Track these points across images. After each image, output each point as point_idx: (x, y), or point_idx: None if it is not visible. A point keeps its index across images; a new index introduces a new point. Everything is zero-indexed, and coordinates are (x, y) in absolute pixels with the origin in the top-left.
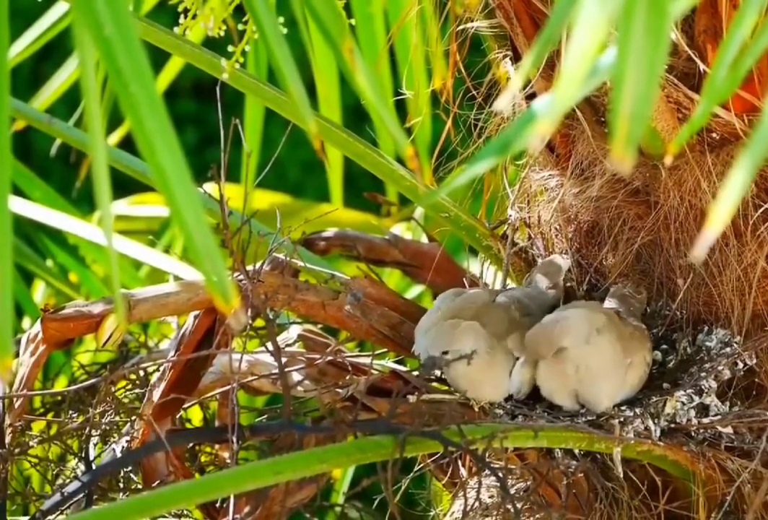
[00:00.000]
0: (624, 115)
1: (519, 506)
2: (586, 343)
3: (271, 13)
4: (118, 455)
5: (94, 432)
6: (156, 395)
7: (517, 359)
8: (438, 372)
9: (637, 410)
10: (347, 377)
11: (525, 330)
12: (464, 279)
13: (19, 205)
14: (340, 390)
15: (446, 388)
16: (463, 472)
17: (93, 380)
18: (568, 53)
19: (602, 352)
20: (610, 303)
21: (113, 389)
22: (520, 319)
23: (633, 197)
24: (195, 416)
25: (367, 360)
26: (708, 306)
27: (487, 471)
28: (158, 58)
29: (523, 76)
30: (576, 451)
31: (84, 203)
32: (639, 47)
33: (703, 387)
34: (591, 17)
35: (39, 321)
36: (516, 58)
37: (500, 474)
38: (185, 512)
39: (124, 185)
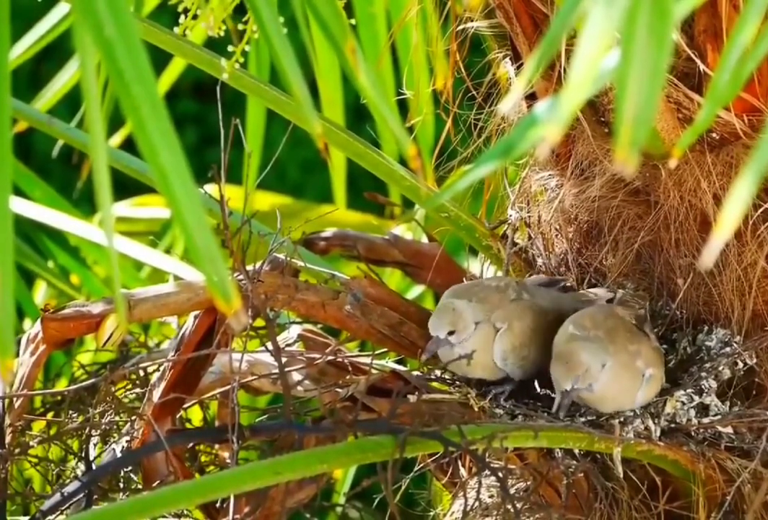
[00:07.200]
0: (628, 119)
1: (519, 506)
2: (599, 380)
3: (273, 12)
4: (118, 455)
5: (94, 432)
6: (156, 395)
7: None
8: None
9: (637, 410)
10: (347, 377)
11: (514, 305)
12: (464, 279)
13: (20, 206)
14: (340, 390)
15: (446, 388)
16: (463, 472)
17: (93, 380)
18: (575, 59)
19: (616, 382)
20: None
21: (113, 389)
22: (516, 297)
23: (633, 197)
24: (195, 416)
25: (367, 360)
26: (708, 306)
27: (487, 471)
28: (159, 58)
29: (527, 80)
30: (576, 451)
31: (85, 204)
32: (642, 51)
33: (703, 387)
34: (597, 22)
35: (39, 321)
36: (516, 58)
37: (500, 474)
38: (185, 512)
39: (125, 186)
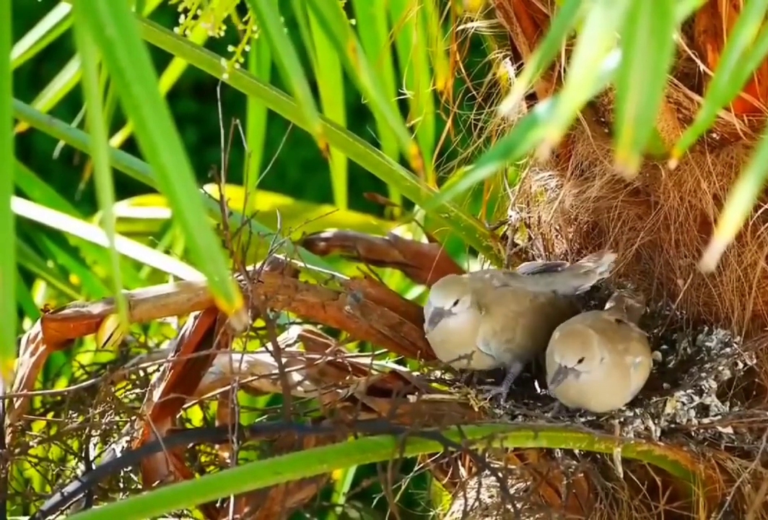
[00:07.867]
0: (629, 119)
1: (519, 506)
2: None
3: (274, 11)
4: (118, 455)
5: (94, 432)
6: (156, 395)
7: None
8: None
9: (637, 410)
10: (347, 378)
11: (496, 292)
12: None
13: (20, 206)
14: (340, 390)
15: (446, 388)
16: (463, 472)
17: (93, 380)
18: (576, 59)
19: (608, 379)
20: (609, 307)
21: (113, 389)
22: (501, 285)
23: (633, 198)
24: (195, 416)
25: (367, 360)
26: (708, 306)
27: (487, 471)
28: (159, 58)
29: (527, 81)
30: (576, 451)
31: (85, 204)
32: (643, 51)
33: (703, 387)
34: (597, 23)
35: (39, 321)
36: (516, 58)
37: (500, 474)
38: (185, 512)
39: (125, 186)
